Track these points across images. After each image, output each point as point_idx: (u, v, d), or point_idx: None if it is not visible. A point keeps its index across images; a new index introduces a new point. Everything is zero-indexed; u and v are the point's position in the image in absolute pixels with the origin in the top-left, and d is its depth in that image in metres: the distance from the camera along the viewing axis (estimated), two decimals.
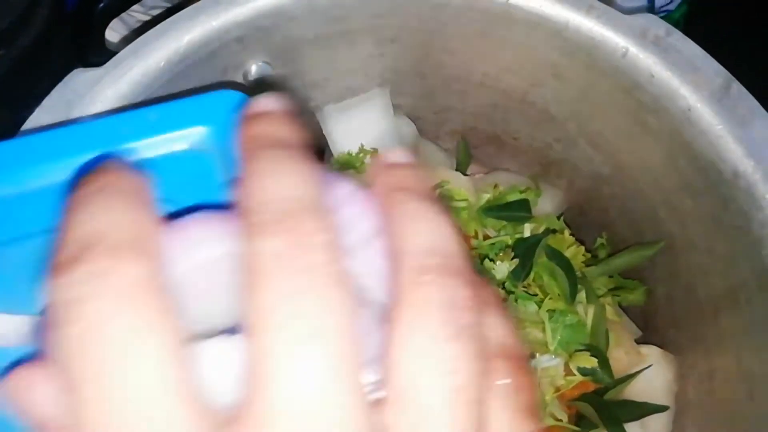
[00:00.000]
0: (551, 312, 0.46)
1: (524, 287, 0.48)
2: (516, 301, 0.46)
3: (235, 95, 0.30)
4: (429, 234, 0.17)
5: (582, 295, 0.47)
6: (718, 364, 0.44)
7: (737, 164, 0.40)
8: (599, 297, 0.49)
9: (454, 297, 0.16)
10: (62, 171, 0.28)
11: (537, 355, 0.46)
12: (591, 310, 0.47)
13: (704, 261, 0.45)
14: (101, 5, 0.52)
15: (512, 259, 0.46)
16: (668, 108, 0.42)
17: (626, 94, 0.44)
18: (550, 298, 0.45)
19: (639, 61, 0.42)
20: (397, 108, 0.57)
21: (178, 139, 0.30)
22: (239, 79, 0.48)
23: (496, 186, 0.54)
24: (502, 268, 0.46)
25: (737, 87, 0.40)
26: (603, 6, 0.43)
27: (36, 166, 0.29)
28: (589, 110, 0.48)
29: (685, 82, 0.41)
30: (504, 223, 0.50)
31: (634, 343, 0.50)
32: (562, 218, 0.54)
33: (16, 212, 0.28)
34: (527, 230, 0.49)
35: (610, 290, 0.50)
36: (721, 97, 0.40)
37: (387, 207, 0.18)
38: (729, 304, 0.43)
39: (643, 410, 0.44)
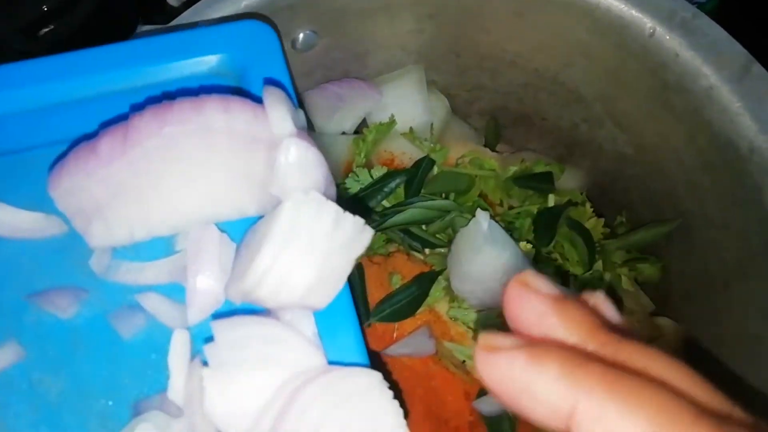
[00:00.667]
0: (571, 276, 0.48)
1: (547, 254, 0.50)
2: (536, 264, 0.48)
3: (255, 25, 0.34)
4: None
5: (599, 264, 0.50)
6: (727, 331, 0.47)
7: (753, 140, 0.42)
8: (616, 269, 0.51)
9: None
10: (91, 87, 0.33)
11: None
12: (606, 278, 0.49)
13: (718, 236, 0.47)
14: None
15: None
16: (691, 87, 0.45)
17: (652, 73, 0.46)
18: (568, 262, 0.48)
19: (665, 41, 0.44)
20: (431, 84, 0.60)
21: (199, 64, 0.34)
22: (288, 45, 0.52)
23: (522, 161, 0.57)
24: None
25: (758, 68, 0.43)
26: None
27: (67, 81, 0.33)
28: (617, 90, 0.51)
29: (708, 62, 0.43)
30: (529, 193, 0.53)
31: (648, 314, 0.52)
32: (584, 193, 0.56)
33: (42, 122, 0.32)
34: (551, 200, 0.52)
35: (626, 263, 0.53)
36: (742, 77, 0.43)
37: None
38: (738, 274, 0.45)
39: None
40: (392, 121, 0.55)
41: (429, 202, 0.47)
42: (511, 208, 0.53)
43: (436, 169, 0.52)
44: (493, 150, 0.62)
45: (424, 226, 0.48)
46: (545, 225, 0.50)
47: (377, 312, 0.44)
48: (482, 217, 0.44)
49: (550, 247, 0.50)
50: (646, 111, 0.50)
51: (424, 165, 0.51)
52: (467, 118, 0.64)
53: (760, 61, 0.43)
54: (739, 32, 0.45)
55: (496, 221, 0.48)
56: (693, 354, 0.50)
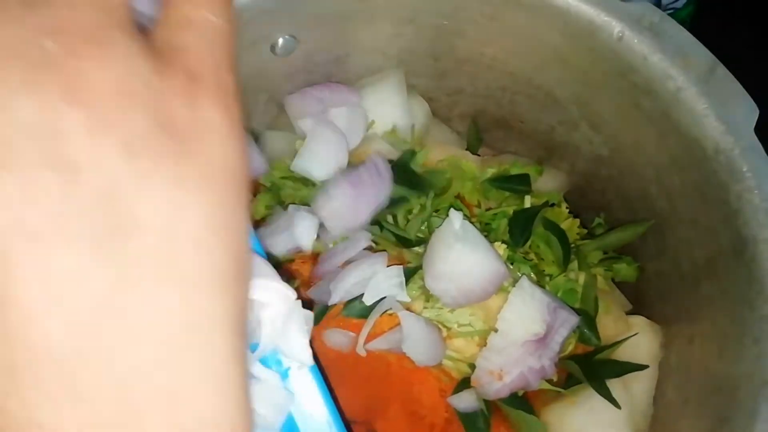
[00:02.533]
0: (546, 275, 0.49)
1: (523, 255, 0.51)
2: (512, 264, 0.49)
3: None
4: None
5: (575, 264, 0.51)
6: (697, 329, 0.47)
7: (719, 141, 0.43)
8: (591, 269, 0.52)
9: None
10: None
11: None
12: (582, 277, 0.50)
13: (689, 234, 0.48)
14: None
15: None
16: (659, 89, 0.46)
17: (622, 76, 0.47)
18: (543, 261, 0.49)
19: (634, 44, 0.45)
20: (411, 88, 0.61)
21: None
22: (267, 51, 0.53)
23: (501, 164, 0.58)
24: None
25: (722, 70, 0.44)
26: None
27: None
28: (590, 93, 0.52)
29: (675, 64, 0.44)
30: (506, 195, 0.54)
31: (623, 313, 0.53)
32: (561, 195, 0.57)
33: None
34: (527, 202, 0.52)
35: (602, 262, 0.54)
36: (707, 78, 0.44)
37: None
38: (708, 273, 0.46)
39: (624, 368, 0.48)
40: (370, 123, 0.55)
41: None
42: (488, 209, 0.54)
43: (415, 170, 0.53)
44: (474, 153, 0.63)
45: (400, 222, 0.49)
46: (520, 225, 0.51)
47: (350, 307, 0.45)
48: (455, 217, 0.45)
49: (526, 247, 0.51)
50: (618, 113, 0.51)
51: (405, 155, 0.52)
52: (448, 122, 0.65)
53: (730, 65, 0.45)
54: (712, 37, 0.46)
55: (471, 222, 0.49)
56: (669, 353, 0.51)
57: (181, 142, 0.20)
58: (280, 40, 0.52)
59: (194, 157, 0.20)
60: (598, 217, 0.59)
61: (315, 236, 0.48)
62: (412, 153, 0.53)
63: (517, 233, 0.50)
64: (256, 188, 0.57)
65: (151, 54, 0.20)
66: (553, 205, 0.55)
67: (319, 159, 0.51)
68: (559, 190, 0.61)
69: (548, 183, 0.62)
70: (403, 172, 0.52)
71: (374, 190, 0.48)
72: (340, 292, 0.45)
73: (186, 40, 0.21)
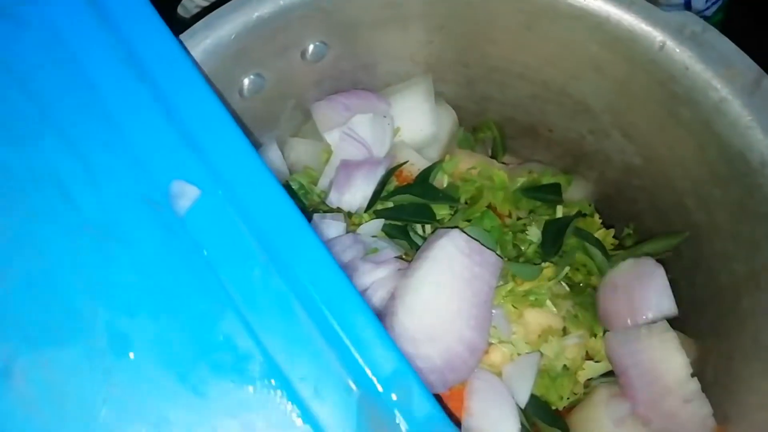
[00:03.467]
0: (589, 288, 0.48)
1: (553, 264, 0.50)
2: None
3: None
4: None
5: None
6: (737, 344, 0.46)
7: (764, 153, 0.42)
8: None
9: None
10: None
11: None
12: None
13: (728, 248, 0.47)
14: None
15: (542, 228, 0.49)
16: (701, 100, 0.45)
17: (661, 86, 0.47)
18: (579, 272, 0.48)
19: (675, 54, 0.45)
20: (439, 95, 0.60)
21: None
22: (297, 57, 0.52)
23: (530, 172, 0.57)
24: (535, 232, 0.49)
25: None
26: (643, 1, 0.45)
27: None
28: (625, 102, 0.51)
29: (718, 75, 0.44)
30: (537, 204, 0.53)
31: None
32: (592, 204, 0.56)
33: None
34: (559, 211, 0.52)
35: None
36: (753, 90, 0.43)
37: None
38: (750, 287, 0.45)
39: None
40: (396, 130, 0.55)
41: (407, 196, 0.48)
42: (519, 219, 0.53)
43: (446, 181, 0.52)
44: (499, 161, 0.62)
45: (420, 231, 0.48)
46: (553, 236, 0.50)
47: None
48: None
49: (556, 258, 0.50)
50: (654, 122, 0.50)
51: (434, 170, 0.51)
52: (475, 130, 0.64)
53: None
54: (743, 46, 0.45)
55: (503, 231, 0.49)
56: (705, 367, 0.50)
57: None
58: (311, 47, 0.51)
59: None
60: (627, 227, 0.59)
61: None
62: (434, 167, 0.52)
63: (549, 243, 0.49)
64: None
65: None
66: (585, 215, 0.54)
67: (351, 192, 0.50)
68: (588, 199, 0.60)
69: (576, 192, 0.61)
70: (421, 187, 0.51)
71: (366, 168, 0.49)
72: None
73: None
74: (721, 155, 0.45)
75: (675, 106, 0.47)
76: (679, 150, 0.49)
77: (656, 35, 0.45)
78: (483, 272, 0.43)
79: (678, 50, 0.45)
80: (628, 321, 0.48)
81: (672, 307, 0.47)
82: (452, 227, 0.46)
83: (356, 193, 0.50)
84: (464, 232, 0.44)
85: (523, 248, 0.49)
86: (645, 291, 0.48)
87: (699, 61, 0.44)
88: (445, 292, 0.42)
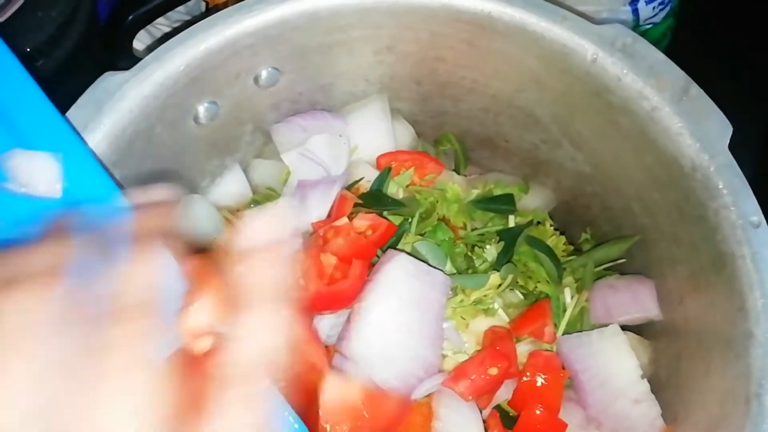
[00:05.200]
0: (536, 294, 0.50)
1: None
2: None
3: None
4: None
5: (569, 280, 0.51)
6: (684, 344, 0.48)
7: (694, 159, 0.44)
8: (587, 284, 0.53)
9: None
10: None
11: None
12: (579, 297, 0.51)
13: (672, 250, 0.49)
14: (129, 19, 0.59)
15: (498, 242, 0.50)
16: (635, 109, 0.46)
17: (598, 96, 0.48)
18: (530, 280, 0.50)
19: (607, 66, 0.46)
20: (396, 112, 0.62)
21: None
22: (251, 83, 0.53)
23: (486, 184, 0.59)
24: (492, 252, 0.50)
25: (695, 89, 0.44)
26: (575, 17, 0.47)
27: None
28: (568, 112, 0.53)
29: (648, 84, 0.45)
30: (491, 215, 0.54)
31: None
32: (546, 213, 0.58)
33: None
34: (512, 221, 0.53)
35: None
36: (681, 98, 0.44)
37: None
38: (691, 289, 0.47)
39: None
40: (354, 148, 0.56)
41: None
42: (474, 230, 0.54)
43: (400, 193, 0.54)
44: (461, 173, 0.64)
45: None
46: (505, 245, 0.51)
47: None
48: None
49: (516, 273, 0.51)
50: (597, 131, 0.51)
51: (378, 178, 0.52)
52: (436, 143, 0.66)
53: (706, 79, 0.45)
54: (689, 51, 0.47)
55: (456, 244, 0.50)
56: (659, 368, 0.51)
57: None
58: (264, 72, 0.53)
59: None
60: (584, 232, 0.60)
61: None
62: (385, 175, 0.54)
63: (501, 253, 0.51)
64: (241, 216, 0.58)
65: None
66: (538, 223, 0.56)
67: (307, 211, 0.52)
68: (546, 207, 0.62)
69: (535, 200, 0.62)
70: (376, 197, 0.52)
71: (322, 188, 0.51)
72: (322, 333, 0.45)
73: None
74: (657, 161, 0.46)
75: (613, 116, 0.48)
76: (621, 157, 0.51)
77: (588, 48, 0.46)
78: (432, 292, 0.45)
79: (610, 61, 0.46)
80: (631, 312, 0.50)
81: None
82: (400, 250, 0.47)
83: (312, 213, 0.52)
84: (410, 255, 0.46)
85: (477, 264, 0.50)
86: (648, 290, 0.51)
87: (630, 72, 0.46)
88: (395, 316, 0.43)
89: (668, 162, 0.45)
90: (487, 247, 0.51)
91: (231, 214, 0.59)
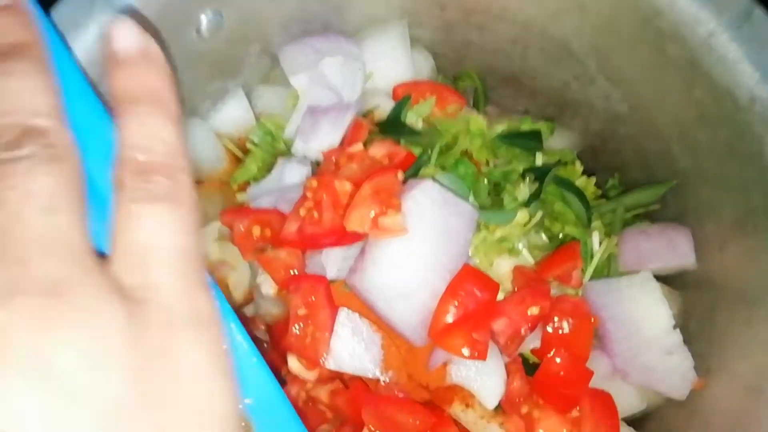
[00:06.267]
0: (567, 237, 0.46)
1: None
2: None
3: None
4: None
5: (597, 224, 0.48)
6: (721, 295, 0.44)
7: (753, 89, 0.39)
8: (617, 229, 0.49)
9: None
10: None
11: None
12: (607, 242, 0.47)
13: (715, 194, 0.45)
14: None
15: (534, 180, 0.46)
16: (687, 36, 0.42)
17: (647, 23, 0.44)
18: (557, 222, 0.46)
19: None
20: (416, 41, 0.57)
21: None
22: (193, 37, 0.47)
23: (511, 121, 0.54)
24: (524, 190, 0.46)
25: (759, 13, 0.40)
26: None
27: None
28: (610, 43, 0.48)
29: (706, 7, 0.41)
30: (516, 153, 0.50)
31: None
32: (575, 153, 0.54)
33: None
34: (539, 159, 0.49)
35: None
36: (742, 22, 0.40)
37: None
38: (736, 234, 0.43)
39: None
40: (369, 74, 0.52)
41: None
42: (496, 167, 0.50)
43: (419, 124, 0.49)
44: (480, 112, 0.59)
45: None
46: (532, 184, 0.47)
47: None
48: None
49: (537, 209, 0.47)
50: (640, 64, 0.47)
51: (397, 105, 0.48)
52: (455, 79, 0.61)
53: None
54: None
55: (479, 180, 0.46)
56: (689, 321, 0.48)
57: (162, 401, 0.19)
58: (204, 20, 0.47)
59: (181, 416, 0.19)
60: (612, 178, 0.56)
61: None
62: (404, 102, 0.49)
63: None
64: (243, 147, 0.54)
65: (121, 300, 0.19)
66: (566, 163, 0.52)
67: (317, 139, 0.47)
68: (571, 149, 0.57)
69: (559, 142, 0.58)
70: (394, 124, 0.48)
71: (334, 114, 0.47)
72: (332, 267, 0.42)
73: (153, 275, 0.21)
74: (709, 94, 0.42)
75: (661, 44, 0.44)
76: (666, 92, 0.46)
77: None
78: (458, 223, 0.41)
79: None
80: (665, 259, 0.46)
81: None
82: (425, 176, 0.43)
83: (323, 141, 0.47)
84: (437, 182, 0.42)
85: (506, 202, 0.46)
86: (684, 237, 0.47)
87: None
88: (417, 247, 0.39)
89: (721, 95, 0.41)
90: (521, 186, 0.46)
91: (232, 143, 0.54)
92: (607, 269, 0.48)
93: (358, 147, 0.44)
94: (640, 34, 0.45)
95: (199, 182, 0.56)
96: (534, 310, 0.39)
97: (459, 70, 0.61)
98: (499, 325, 0.39)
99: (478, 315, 0.38)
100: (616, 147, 0.55)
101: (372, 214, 0.38)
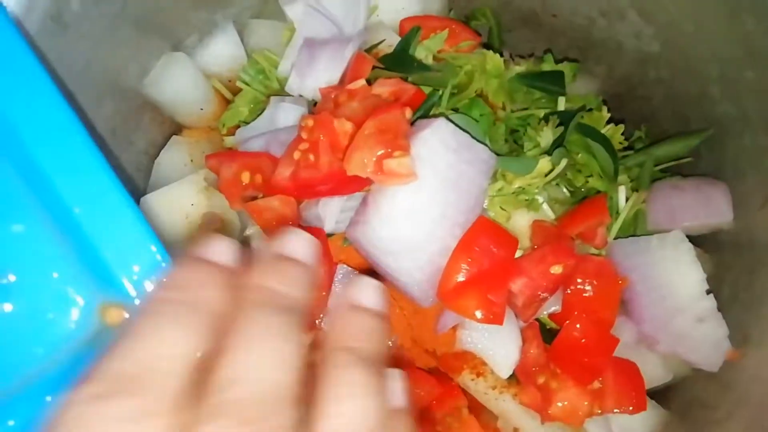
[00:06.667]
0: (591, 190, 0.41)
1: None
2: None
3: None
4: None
5: (624, 178, 0.43)
6: (761, 256, 0.40)
7: None
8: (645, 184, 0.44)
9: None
10: None
11: None
12: (635, 197, 0.42)
13: (760, 143, 0.40)
14: None
15: (557, 126, 0.41)
16: None
17: None
18: (580, 174, 0.41)
19: None
20: None
21: None
22: None
23: (527, 60, 0.49)
24: (547, 135, 0.41)
25: None
26: None
27: None
28: None
29: None
30: (536, 96, 0.45)
31: None
32: (600, 98, 0.49)
33: None
34: (561, 104, 0.44)
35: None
36: None
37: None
38: None
39: None
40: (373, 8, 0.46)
41: None
42: (513, 111, 0.45)
43: (429, 60, 0.44)
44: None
45: None
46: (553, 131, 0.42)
47: None
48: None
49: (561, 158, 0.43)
50: None
51: (404, 38, 0.43)
52: (467, 19, 0.56)
53: None
54: None
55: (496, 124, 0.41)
56: (722, 284, 0.43)
57: None
58: None
59: None
60: (638, 129, 0.51)
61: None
62: (413, 34, 0.44)
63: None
64: (237, 88, 0.49)
65: None
66: (590, 110, 0.46)
67: (314, 75, 0.42)
68: (594, 93, 0.52)
69: (581, 89, 0.53)
70: (401, 58, 0.43)
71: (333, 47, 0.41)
72: (330, 219, 0.37)
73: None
74: (762, 23, 0.37)
75: None
76: (708, 25, 0.41)
77: None
78: (472, 171, 0.36)
79: None
80: (699, 217, 0.42)
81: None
82: (436, 115, 0.38)
83: (320, 77, 0.42)
84: (451, 121, 0.37)
85: (527, 148, 0.41)
86: (720, 192, 0.42)
87: None
88: (426, 196, 0.34)
89: None
90: (543, 131, 0.41)
91: (221, 83, 0.49)
92: (634, 227, 0.44)
93: (360, 83, 0.39)
94: None
95: (184, 128, 0.51)
96: (557, 269, 0.35)
97: (472, 7, 0.55)
98: (518, 285, 0.34)
99: (494, 274, 0.34)
100: (644, 93, 0.50)
101: (376, 156, 0.33)
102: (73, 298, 0.27)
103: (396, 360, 0.37)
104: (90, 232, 0.27)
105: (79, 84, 0.40)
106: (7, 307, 0.27)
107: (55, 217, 0.27)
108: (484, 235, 0.34)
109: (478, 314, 0.33)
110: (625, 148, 0.49)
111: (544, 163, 0.39)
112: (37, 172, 0.27)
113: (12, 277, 0.27)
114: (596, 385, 0.37)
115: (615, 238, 0.42)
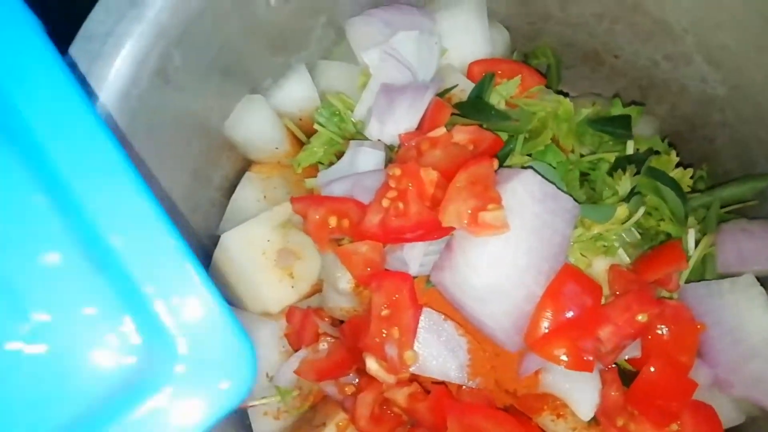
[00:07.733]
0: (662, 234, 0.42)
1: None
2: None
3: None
4: None
5: (691, 220, 0.44)
6: None
7: None
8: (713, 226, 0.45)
9: None
10: None
11: None
12: (705, 240, 0.43)
13: None
14: None
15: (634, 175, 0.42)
16: None
17: None
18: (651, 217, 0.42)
19: None
20: (490, 14, 0.52)
21: None
22: (261, 6, 0.43)
23: (594, 103, 0.50)
24: (626, 183, 0.41)
25: None
26: None
27: None
28: (716, 18, 0.44)
29: None
30: (604, 139, 0.46)
31: None
32: (665, 141, 0.50)
33: None
34: (630, 147, 0.45)
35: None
36: None
37: None
38: None
39: None
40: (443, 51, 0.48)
41: None
42: (582, 156, 0.46)
43: (502, 105, 0.45)
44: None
45: None
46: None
47: None
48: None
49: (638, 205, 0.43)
50: (750, 41, 0.43)
51: (478, 85, 0.44)
52: (527, 57, 0.57)
53: None
54: None
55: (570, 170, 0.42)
56: None
57: None
58: None
59: None
60: (699, 169, 0.52)
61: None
62: (488, 81, 0.45)
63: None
64: (308, 128, 0.50)
65: None
66: (657, 152, 0.47)
67: (394, 121, 0.43)
68: (658, 135, 0.53)
69: (641, 129, 0.54)
70: (478, 106, 0.44)
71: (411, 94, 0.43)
72: (415, 263, 0.38)
73: None
74: None
75: None
76: None
77: None
78: (557, 220, 0.37)
79: None
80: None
81: None
82: (522, 167, 0.39)
83: (399, 123, 0.44)
84: (537, 173, 0.38)
85: (606, 195, 0.42)
86: None
87: None
88: (513, 245, 0.35)
89: None
90: (622, 177, 0.42)
91: (293, 123, 0.51)
92: (702, 270, 0.44)
93: (441, 131, 0.40)
94: (753, 5, 0.40)
95: (253, 163, 0.52)
96: (642, 318, 0.36)
97: (533, 46, 0.56)
98: (605, 333, 0.36)
99: (583, 321, 0.35)
100: (707, 134, 0.51)
101: (470, 208, 0.35)
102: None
103: (479, 400, 0.38)
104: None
105: (174, 128, 0.42)
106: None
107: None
108: (571, 283, 0.36)
109: (568, 361, 0.35)
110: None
111: (622, 210, 0.40)
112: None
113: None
114: (674, 427, 0.38)
115: (685, 282, 0.43)
